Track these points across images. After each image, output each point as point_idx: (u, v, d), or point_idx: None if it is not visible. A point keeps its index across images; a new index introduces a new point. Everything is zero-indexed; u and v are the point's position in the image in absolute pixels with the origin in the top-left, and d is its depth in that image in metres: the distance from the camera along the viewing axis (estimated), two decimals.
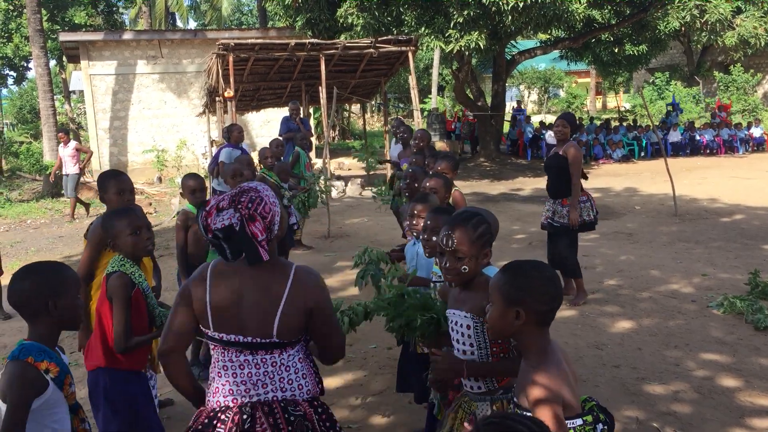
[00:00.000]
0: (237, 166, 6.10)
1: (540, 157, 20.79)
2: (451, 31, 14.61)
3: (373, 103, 22.46)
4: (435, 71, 28.07)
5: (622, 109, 32.60)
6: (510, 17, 14.18)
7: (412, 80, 15.13)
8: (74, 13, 25.85)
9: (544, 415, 1.89)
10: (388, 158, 10.61)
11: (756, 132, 22.21)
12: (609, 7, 18.26)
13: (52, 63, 26.47)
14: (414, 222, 3.75)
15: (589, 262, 7.76)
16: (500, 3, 13.53)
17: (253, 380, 2.25)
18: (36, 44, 17.89)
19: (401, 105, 36.49)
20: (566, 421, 1.96)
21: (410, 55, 14.59)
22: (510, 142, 22.29)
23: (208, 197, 5.61)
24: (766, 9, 18.02)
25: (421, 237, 3.38)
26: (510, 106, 27.33)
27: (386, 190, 7.65)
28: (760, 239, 9.01)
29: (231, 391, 2.26)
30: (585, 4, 15.00)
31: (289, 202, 7.45)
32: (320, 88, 14.14)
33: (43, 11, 20.76)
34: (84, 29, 24.30)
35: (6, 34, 25.07)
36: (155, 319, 3.24)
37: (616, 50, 21.50)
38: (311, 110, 19.31)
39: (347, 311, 3.23)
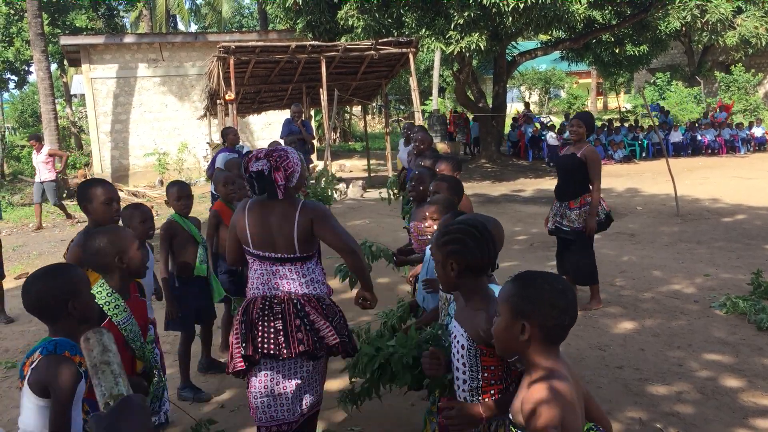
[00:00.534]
0: (228, 175, 5.76)
1: (541, 158, 20.80)
2: (451, 32, 14.62)
3: (374, 105, 22.48)
4: (436, 73, 28.08)
5: (623, 109, 32.57)
6: (510, 18, 14.18)
7: (413, 82, 15.15)
8: (75, 16, 25.88)
9: None
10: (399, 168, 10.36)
11: (757, 132, 22.19)
12: (609, 8, 18.26)
13: (54, 67, 26.55)
14: (427, 224, 3.65)
15: None
16: (501, 4, 13.53)
17: (279, 281, 3.18)
18: (37, 48, 17.92)
19: (402, 107, 36.50)
20: None
21: (411, 56, 14.60)
22: (510, 143, 22.28)
23: (211, 202, 5.53)
24: (766, 9, 18.01)
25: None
26: (512, 107, 27.34)
27: (399, 194, 7.39)
28: (762, 239, 9.00)
29: (260, 287, 3.21)
30: (585, 5, 15.00)
31: None
32: (321, 90, 14.16)
33: (44, 15, 20.80)
34: (85, 33, 24.33)
35: (7, 38, 25.10)
36: (136, 353, 2.92)
37: (616, 51, 21.49)
38: (312, 112, 19.31)
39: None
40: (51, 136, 17.96)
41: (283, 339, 3.10)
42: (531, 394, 1.88)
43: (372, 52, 14.09)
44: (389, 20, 15.88)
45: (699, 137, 21.43)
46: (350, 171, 18.98)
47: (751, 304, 5.80)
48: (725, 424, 3.96)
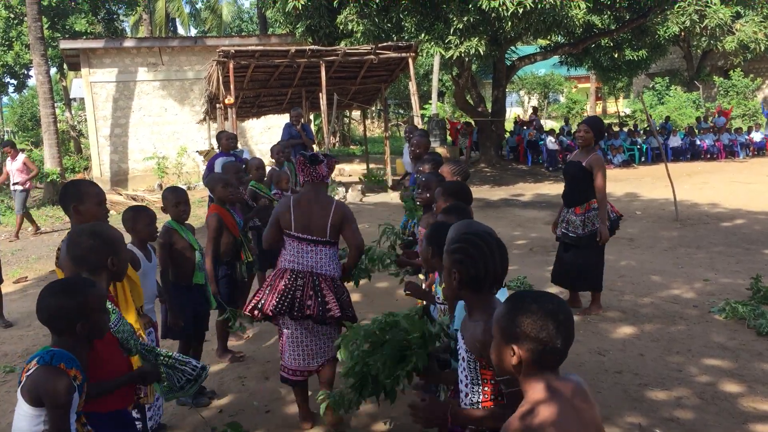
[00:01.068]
0: (227, 178, 5.57)
1: (540, 162, 20.81)
2: (451, 37, 14.64)
3: (373, 109, 22.49)
4: (435, 77, 28.12)
5: (622, 114, 32.61)
6: (510, 23, 14.20)
7: (412, 86, 15.16)
8: (75, 20, 25.85)
9: None
10: (400, 175, 10.28)
11: (756, 137, 22.23)
12: (609, 13, 18.30)
13: (53, 71, 26.51)
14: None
15: None
16: (500, 9, 13.55)
17: (309, 258, 4.05)
18: (37, 52, 17.93)
19: (401, 111, 36.53)
20: None
21: (410, 61, 14.61)
22: (509, 148, 22.30)
23: (211, 207, 5.51)
24: (765, 14, 18.06)
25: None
26: (511, 112, 27.32)
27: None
28: (761, 244, 9.00)
29: (290, 262, 4.07)
30: (584, 10, 15.02)
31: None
32: (321, 94, 14.16)
33: (44, 19, 20.80)
34: (85, 37, 24.32)
35: (7, 42, 25.08)
36: (131, 351, 2.91)
37: (615, 55, 21.53)
38: (312, 116, 19.33)
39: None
40: (50, 140, 17.96)
41: (297, 304, 3.94)
42: (510, 423, 1.80)
43: (371, 56, 14.10)
44: (389, 25, 15.90)
45: (698, 142, 21.47)
46: (349, 175, 18.98)
47: (751, 309, 5.80)
48: (725, 430, 3.95)
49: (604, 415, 4.03)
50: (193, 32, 44.23)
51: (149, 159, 19.50)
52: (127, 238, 4.06)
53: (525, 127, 22.19)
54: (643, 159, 21.11)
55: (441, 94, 32.38)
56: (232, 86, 13.23)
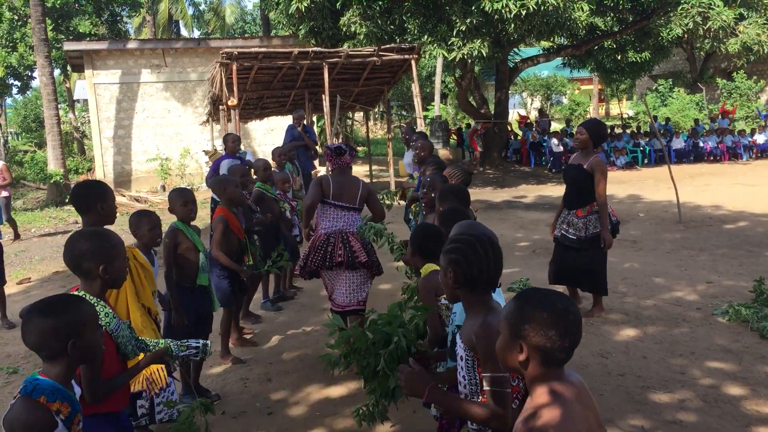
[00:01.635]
0: (234, 179, 5.72)
1: (543, 164, 20.81)
2: (453, 39, 14.64)
3: (376, 111, 22.49)
4: (438, 79, 28.12)
5: (625, 116, 32.58)
6: (512, 25, 14.21)
7: (415, 88, 15.16)
8: (78, 22, 25.95)
9: None
10: (404, 180, 10.25)
11: (760, 139, 22.19)
12: (612, 15, 18.30)
13: (57, 72, 26.57)
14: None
15: None
16: (503, 11, 13.56)
17: (341, 221, 5.10)
18: (40, 53, 17.99)
19: (404, 113, 36.55)
20: None
21: (413, 63, 14.62)
22: (512, 150, 22.29)
23: (211, 207, 5.55)
24: None
25: None
26: (514, 114, 27.30)
27: (393, 197, 7.43)
28: (764, 246, 8.98)
29: (325, 228, 5.10)
30: (587, 12, 15.03)
31: (293, 213, 7.32)
32: (323, 96, 14.17)
33: (48, 20, 20.85)
34: (88, 38, 24.40)
35: (11, 44, 25.16)
36: (129, 355, 2.91)
37: (618, 57, 21.51)
38: (315, 118, 19.35)
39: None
40: (54, 142, 18.02)
41: (328, 257, 4.98)
42: (520, 420, 1.81)
43: (374, 58, 14.10)
44: (392, 27, 15.92)
45: (701, 144, 21.44)
46: None
47: (754, 311, 5.78)
48: None
49: (607, 417, 4.02)
50: (196, 34, 44.31)
51: (152, 160, 19.55)
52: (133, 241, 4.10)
53: (529, 126, 22.13)
54: (646, 161, 21.10)
55: (444, 96, 32.38)
56: (235, 88, 13.24)
